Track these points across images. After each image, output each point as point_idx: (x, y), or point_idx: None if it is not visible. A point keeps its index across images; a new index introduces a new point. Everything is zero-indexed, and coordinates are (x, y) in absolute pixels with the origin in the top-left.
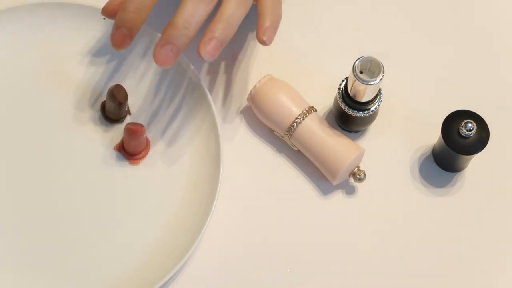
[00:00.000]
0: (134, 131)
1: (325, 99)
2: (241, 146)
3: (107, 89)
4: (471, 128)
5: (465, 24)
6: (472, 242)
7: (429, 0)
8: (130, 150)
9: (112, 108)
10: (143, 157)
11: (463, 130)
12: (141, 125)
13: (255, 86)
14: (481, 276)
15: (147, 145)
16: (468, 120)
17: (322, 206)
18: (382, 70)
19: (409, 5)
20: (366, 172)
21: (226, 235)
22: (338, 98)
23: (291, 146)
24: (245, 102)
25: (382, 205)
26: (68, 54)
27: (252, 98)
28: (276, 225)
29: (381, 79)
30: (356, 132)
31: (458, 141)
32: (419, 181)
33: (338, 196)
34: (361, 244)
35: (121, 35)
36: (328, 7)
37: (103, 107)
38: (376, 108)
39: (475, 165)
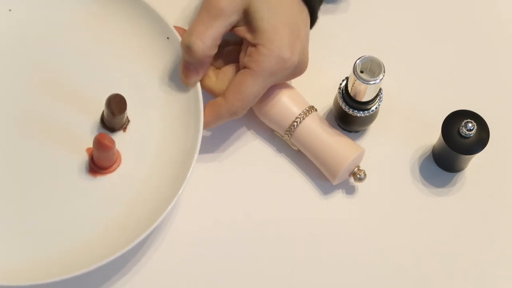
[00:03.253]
0: (102, 144)
1: (325, 99)
2: (241, 146)
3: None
4: (471, 128)
5: (465, 24)
6: (472, 242)
7: (429, 1)
8: (95, 160)
9: (107, 117)
10: (106, 173)
11: (463, 130)
12: (112, 141)
13: None
14: (481, 275)
15: (116, 161)
16: (468, 120)
17: (322, 205)
18: (382, 69)
19: (410, 5)
20: (366, 172)
21: (226, 233)
22: (338, 98)
23: (292, 146)
24: None
25: (382, 205)
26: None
27: None
28: (276, 224)
29: (381, 78)
30: (356, 132)
31: (458, 141)
32: (419, 181)
33: (338, 196)
34: (361, 244)
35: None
36: (328, 6)
37: (103, 114)
38: (376, 108)
39: (475, 165)
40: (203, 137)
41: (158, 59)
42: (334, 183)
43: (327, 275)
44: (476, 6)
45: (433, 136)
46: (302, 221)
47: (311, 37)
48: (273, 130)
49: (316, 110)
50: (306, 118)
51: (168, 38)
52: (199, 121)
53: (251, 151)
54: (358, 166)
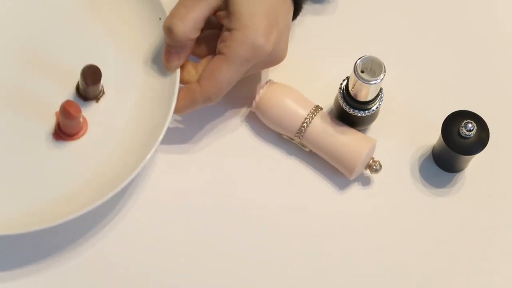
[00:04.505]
0: (67, 112)
1: (326, 99)
2: (251, 153)
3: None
4: (471, 128)
5: (465, 24)
6: (472, 242)
7: (429, 0)
8: (61, 125)
9: (81, 86)
10: (69, 140)
11: (463, 130)
12: (78, 110)
13: (258, 93)
14: (481, 275)
15: (81, 129)
16: (468, 120)
17: (320, 204)
18: (383, 69)
19: (410, 5)
20: (381, 163)
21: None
22: (339, 98)
23: (302, 148)
24: (247, 109)
25: (382, 205)
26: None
27: (257, 106)
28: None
29: (382, 78)
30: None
31: (458, 141)
32: (419, 181)
33: (336, 197)
34: (360, 243)
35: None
36: (327, 6)
37: (78, 84)
38: (377, 107)
39: (475, 165)
40: (210, 141)
41: (146, 39)
42: (352, 178)
43: (323, 274)
44: (476, 6)
45: (433, 136)
46: (301, 219)
47: (311, 37)
48: (281, 134)
49: (321, 108)
50: (315, 118)
51: (160, 19)
52: (171, 103)
53: (262, 156)
54: (373, 158)
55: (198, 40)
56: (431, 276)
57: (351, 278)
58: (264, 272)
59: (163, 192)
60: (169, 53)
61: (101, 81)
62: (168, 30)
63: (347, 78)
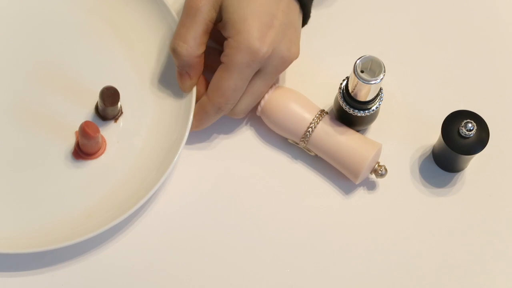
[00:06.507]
0: (85, 132)
1: (326, 98)
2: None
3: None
4: (471, 128)
5: (465, 24)
6: (471, 242)
7: (429, 0)
8: (80, 145)
9: (100, 107)
10: (88, 159)
11: (463, 130)
12: (96, 130)
13: (263, 98)
14: (480, 275)
15: (99, 149)
16: (468, 120)
17: (320, 206)
18: (383, 69)
19: (410, 5)
20: (386, 167)
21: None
22: (339, 98)
23: (308, 152)
24: (252, 114)
25: (382, 206)
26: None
27: (262, 111)
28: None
29: (382, 78)
30: (357, 131)
31: (458, 141)
32: (419, 181)
33: (335, 198)
34: (360, 243)
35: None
36: (327, 6)
37: (97, 104)
38: (377, 107)
39: (475, 165)
40: (215, 145)
41: (163, 59)
42: (357, 182)
43: (326, 276)
44: (476, 6)
45: (433, 136)
46: (306, 223)
47: (311, 37)
48: (287, 138)
49: (327, 113)
50: (320, 123)
51: None
52: (187, 121)
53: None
54: (378, 162)
55: (213, 59)
56: (431, 276)
57: (351, 277)
58: (269, 275)
59: (167, 194)
60: (180, 74)
61: (119, 101)
62: (173, 52)
63: (347, 78)
